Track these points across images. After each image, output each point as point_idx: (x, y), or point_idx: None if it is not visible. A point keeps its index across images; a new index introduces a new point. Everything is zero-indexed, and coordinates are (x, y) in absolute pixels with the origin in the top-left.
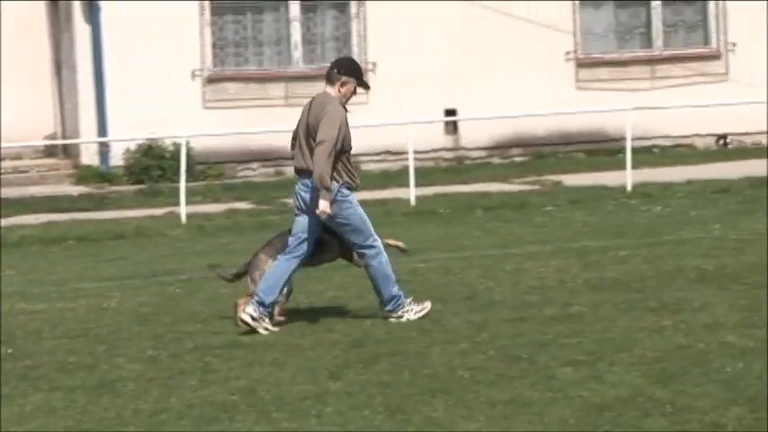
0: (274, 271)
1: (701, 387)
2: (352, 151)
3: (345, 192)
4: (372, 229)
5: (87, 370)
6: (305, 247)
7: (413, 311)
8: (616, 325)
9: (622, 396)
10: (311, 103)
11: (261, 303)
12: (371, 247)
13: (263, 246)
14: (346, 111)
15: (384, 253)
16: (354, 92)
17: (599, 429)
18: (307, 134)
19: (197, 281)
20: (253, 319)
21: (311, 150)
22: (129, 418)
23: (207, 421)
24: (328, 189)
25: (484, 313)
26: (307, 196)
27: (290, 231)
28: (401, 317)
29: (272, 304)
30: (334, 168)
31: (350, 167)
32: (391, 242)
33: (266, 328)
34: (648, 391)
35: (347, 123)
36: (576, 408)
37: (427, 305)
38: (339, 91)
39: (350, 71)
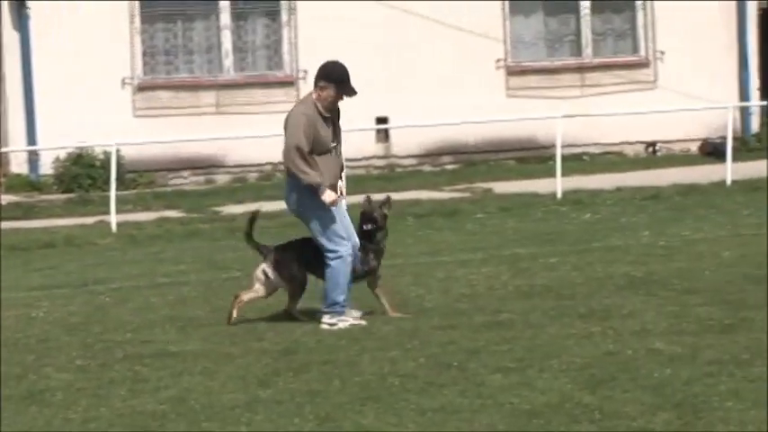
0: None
1: (629, 393)
2: None
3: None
4: (341, 234)
5: (16, 380)
6: (343, 242)
7: (347, 322)
8: (545, 332)
9: (551, 402)
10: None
11: (335, 304)
12: (333, 251)
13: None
14: (322, 115)
15: (348, 262)
16: (337, 97)
17: None
18: None
19: (127, 290)
20: (331, 325)
21: None
22: (58, 428)
23: (136, 430)
24: (313, 184)
25: (415, 321)
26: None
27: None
28: (335, 324)
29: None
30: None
31: (320, 168)
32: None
33: (351, 319)
34: (577, 397)
35: (312, 125)
36: (505, 414)
37: (359, 319)
38: (319, 95)
39: (327, 76)
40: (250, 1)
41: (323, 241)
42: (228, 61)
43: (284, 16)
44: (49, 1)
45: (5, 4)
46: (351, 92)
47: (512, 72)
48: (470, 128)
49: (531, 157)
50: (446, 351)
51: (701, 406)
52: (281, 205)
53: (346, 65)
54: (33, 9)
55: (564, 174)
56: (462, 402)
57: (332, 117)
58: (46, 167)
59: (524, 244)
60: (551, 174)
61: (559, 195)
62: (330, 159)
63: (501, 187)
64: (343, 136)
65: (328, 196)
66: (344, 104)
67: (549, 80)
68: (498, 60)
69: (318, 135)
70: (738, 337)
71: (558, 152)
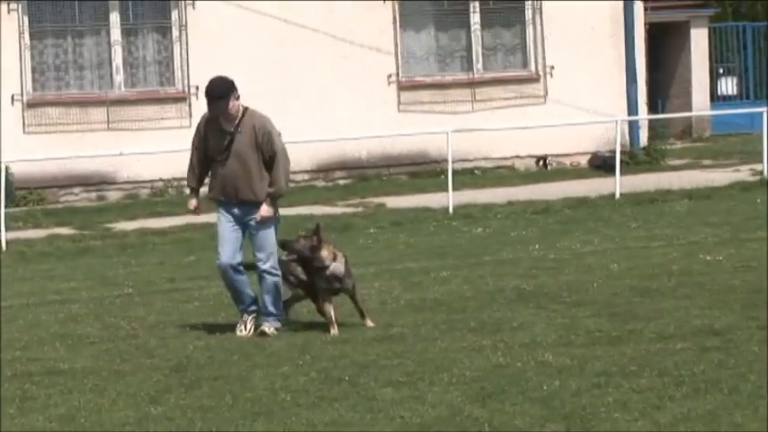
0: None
1: (518, 405)
2: None
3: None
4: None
5: None
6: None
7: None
8: (437, 345)
9: (442, 415)
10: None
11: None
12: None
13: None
14: (202, 121)
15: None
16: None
17: None
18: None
19: (17, 307)
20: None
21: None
22: None
23: None
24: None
25: (305, 336)
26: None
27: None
28: (277, 329)
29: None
30: None
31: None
32: None
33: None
34: (467, 410)
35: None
36: (396, 428)
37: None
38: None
39: None
40: (140, 17)
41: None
42: (119, 77)
43: (175, 32)
44: None
45: None
46: (209, 109)
47: (403, 87)
48: (363, 143)
49: (424, 171)
50: (337, 365)
51: (590, 417)
52: (172, 222)
53: (238, 80)
54: None
55: (455, 188)
56: (353, 417)
57: (229, 130)
58: None
59: (416, 258)
60: (443, 188)
61: (451, 210)
62: (220, 168)
63: (393, 202)
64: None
65: (189, 203)
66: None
67: (440, 95)
68: (390, 75)
69: (208, 141)
70: (626, 349)
71: (450, 167)
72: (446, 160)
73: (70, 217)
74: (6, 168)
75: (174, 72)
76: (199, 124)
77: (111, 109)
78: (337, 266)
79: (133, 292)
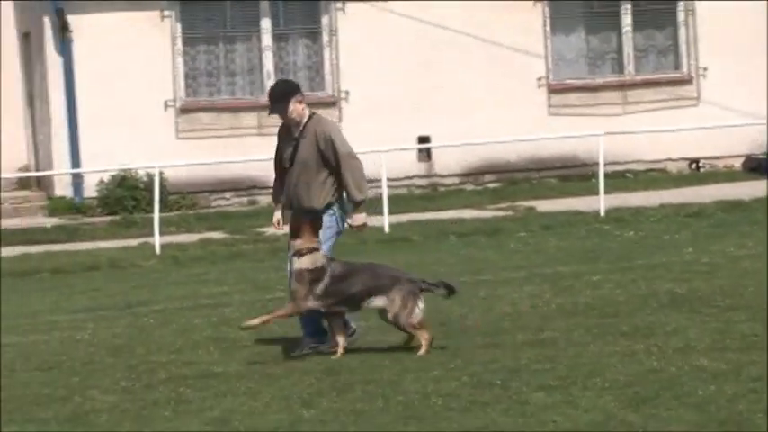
0: None
1: (672, 411)
2: None
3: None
4: None
5: (61, 402)
6: None
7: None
8: (588, 350)
9: (595, 420)
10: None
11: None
12: None
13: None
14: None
15: None
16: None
17: None
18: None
19: (170, 311)
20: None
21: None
22: None
23: None
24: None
25: (457, 340)
26: None
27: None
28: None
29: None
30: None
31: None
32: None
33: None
34: (620, 415)
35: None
36: None
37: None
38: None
39: None
40: (291, 23)
41: None
42: (270, 82)
43: (325, 37)
44: (91, 25)
45: (48, 30)
46: (269, 112)
47: (553, 90)
48: (513, 146)
49: (574, 174)
50: (488, 370)
51: (745, 423)
52: None
53: (388, 85)
54: (76, 33)
55: (607, 191)
56: (506, 421)
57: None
58: (90, 190)
59: (567, 262)
60: (594, 192)
61: (602, 213)
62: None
63: (543, 205)
64: (386, 155)
65: (274, 217)
66: (386, 124)
67: (590, 98)
68: (540, 78)
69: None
70: None
71: (601, 170)
72: (596, 163)
73: (222, 221)
74: (160, 174)
75: (323, 77)
76: (278, 134)
77: (261, 114)
78: (299, 262)
79: (285, 295)
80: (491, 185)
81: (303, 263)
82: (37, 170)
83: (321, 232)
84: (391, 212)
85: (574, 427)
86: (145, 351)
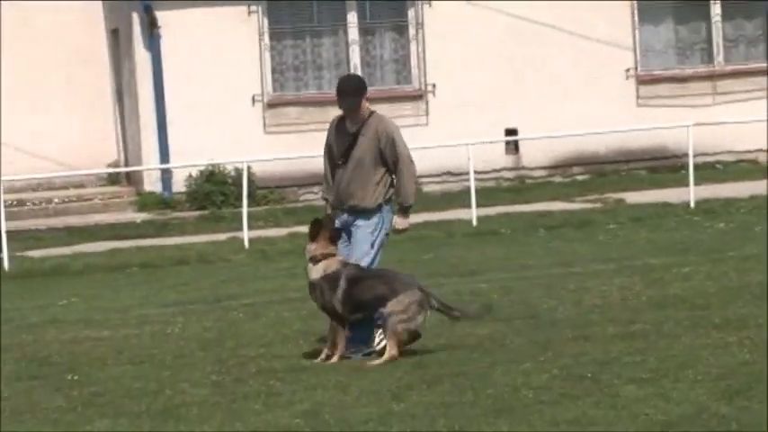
0: None
1: (765, 404)
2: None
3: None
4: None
5: (152, 395)
6: None
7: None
8: (680, 342)
9: (687, 413)
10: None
11: None
12: None
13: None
14: (330, 126)
15: None
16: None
17: None
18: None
19: (260, 305)
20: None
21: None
22: None
23: None
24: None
25: (547, 332)
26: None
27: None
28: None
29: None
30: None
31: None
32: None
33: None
34: (713, 407)
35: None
36: (640, 426)
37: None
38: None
39: None
40: (377, 17)
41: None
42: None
43: (411, 31)
44: (179, 21)
45: (137, 25)
46: (340, 104)
47: (642, 81)
48: (601, 138)
49: (663, 166)
50: (579, 362)
51: None
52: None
53: (475, 78)
54: (164, 29)
55: (696, 183)
56: (597, 414)
57: (352, 131)
58: (178, 185)
59: (657, 254)
60: (684, 183)
61: (692, 205)
62: (339, 172)
63: (633, 197)
64: (474, 148)
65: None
66: (473, 117)
67: (679, 88)
68: (628, 69)
69: (333, 146)
70: None
71: (691, 161)
72: (686, 154)
73: (310, 215)
74: (248, 168)
75: (410, 70)
76: (328, 130)
77: None
78: (314, 269)
79: None
80: (579, 177)
81: (317, 271)
82: (126, 166)
83: (374, 232)
84: (479, 205)
85: (666, 420)
86: (235, 345)
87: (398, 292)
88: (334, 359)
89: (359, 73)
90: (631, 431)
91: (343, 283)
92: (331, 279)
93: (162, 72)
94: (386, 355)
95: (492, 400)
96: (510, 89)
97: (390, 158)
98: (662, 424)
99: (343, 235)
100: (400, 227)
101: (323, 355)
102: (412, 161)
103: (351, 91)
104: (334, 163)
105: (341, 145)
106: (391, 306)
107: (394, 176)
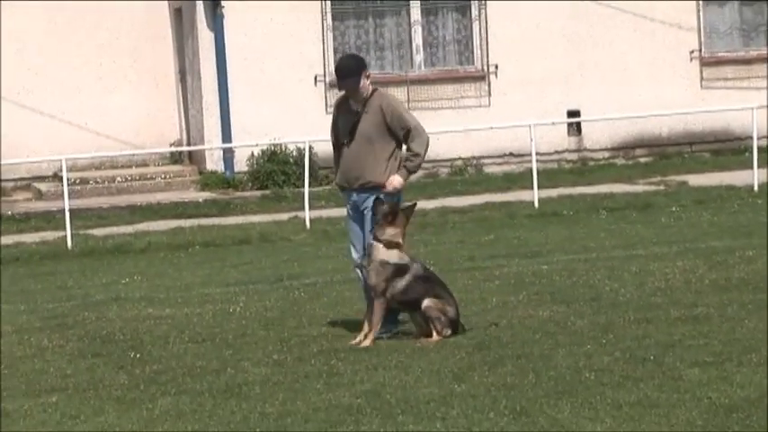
0: None
1: None
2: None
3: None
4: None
5: (214, 374)
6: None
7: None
8: (744, 325)
9: (751, 397)
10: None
11: None
12: None
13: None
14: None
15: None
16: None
17: (727, 431)
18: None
19: (321, 285)
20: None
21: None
22: (255, 421)
23: (332, 424)
24: None
25: (609, 315)
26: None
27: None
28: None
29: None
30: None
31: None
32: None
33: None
34: None
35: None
36: (703, 409)
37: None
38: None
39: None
40: None
41: None
42: (419, 57)
43: (474, 11)
44: (242, 1)
45: (200, 5)
46: (339, 87)
47: (706, 63)
48: (664, 120)
49: (727, 148)
50: (641, 345)
51: None
52: (472, 200)
53: (537, 59)
54: (227, 9)
55: (760, 165)
56: (659, 397)
57: (356, 110)
58: (240, 165)
59: (720, 237)
60: (747, 165)
61: (756, 188)
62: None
63: (696, 180)
64: (536, 129)
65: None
66: (535, 98)
67: (744, 70)
68: (692, 51)
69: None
70: None
71: (755, 143)
72: (750, 137)
73: None
74: (310, 148)
75: (473, 51)
76: (333, 110)
77: (410, 88)
78: (387, 253)
79: (434, 269)
80: (642, 160)
81: (391, 256)
82: (188, 145)
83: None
84: (541, 187)
85: (729, 404)
86: (296, 324)
87: (443, 298)
88: (368, 342)
89: (420, 54)
90: (694, 414)
91: (408, 277)
92: (400, 269)
93: (225, 52)
94: (434, 337)
95: (554, 381)
96: (573, 70)
97: (400, 131)
98: (725, 407)
99: (353, 213)
100: (393, 184)
101: (361, 336)
102: (423, 129)
103: (348, 72)
104: (339, 142)
105: (346, 124)
106: (433, 304)
107: (406, 148)
